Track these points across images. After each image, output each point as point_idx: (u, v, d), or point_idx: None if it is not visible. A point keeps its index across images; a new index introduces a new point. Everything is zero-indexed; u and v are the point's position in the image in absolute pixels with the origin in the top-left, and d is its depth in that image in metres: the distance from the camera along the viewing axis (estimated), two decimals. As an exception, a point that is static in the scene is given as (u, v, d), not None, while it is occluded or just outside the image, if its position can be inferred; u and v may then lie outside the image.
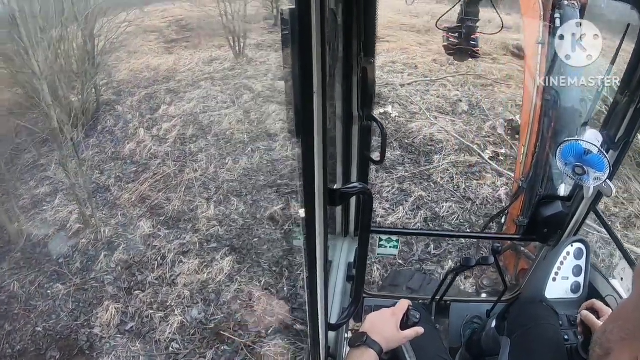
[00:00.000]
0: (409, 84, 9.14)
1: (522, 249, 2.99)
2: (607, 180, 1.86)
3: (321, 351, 1.28)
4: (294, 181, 6.24)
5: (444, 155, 6.86)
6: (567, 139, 1.90)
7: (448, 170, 6.53)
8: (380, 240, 2.56)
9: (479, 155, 6.87)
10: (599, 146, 1.81)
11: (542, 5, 2.22)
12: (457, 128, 7.61)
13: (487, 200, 5.99)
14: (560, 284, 2.31)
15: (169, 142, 7.55)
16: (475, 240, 4.72)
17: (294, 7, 0.66)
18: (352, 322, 2.21)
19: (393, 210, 5.81)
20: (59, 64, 7.08)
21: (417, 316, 1.59)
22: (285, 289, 4.73)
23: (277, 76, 9.45)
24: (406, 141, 7.20)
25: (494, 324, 2.18)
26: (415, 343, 1.68)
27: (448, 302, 2.54)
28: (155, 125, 8.07)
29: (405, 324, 1.56)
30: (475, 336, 2.38)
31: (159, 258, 5.24)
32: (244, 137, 7.46)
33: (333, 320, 1.49)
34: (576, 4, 2.04)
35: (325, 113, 0.77)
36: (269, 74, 9.67)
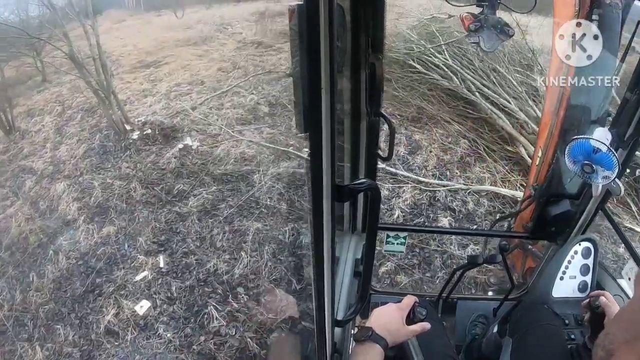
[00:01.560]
0: (200, 104, 8.37)
1: (530, 247, 2.99)
2: (616, 179, 1.85)
3: (327, 347, 1.29)
4: (115, 274, 4.90)
5: (262, 172, 6.18)
6: (576, 137, 1.89)
7: (273, 186, 5.90)
8: (388, 237, 2.56)
9: (298, 156, 6.39)
10: (608, 144, 1.80)
11: (579, 2, 2.02)
12: (264, 135, 7.11)
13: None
14: (567, 283, 2.31)
15: (-43, 282, 5.58)
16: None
17: (301, 3, 0.66)
18: (358, 319, 2.22)
19: (235, 259, 4.92)
20: None
21: (423, 312, 1.59)
22: None
23: (58, 144, 7.85)
24: (218, 171, 6.39)
25: (495, 328, 2.18)
26: (421, 339, 1.68)
27: (455, 300, 2.55)
28: None
29: (411, 320, 1.57)
30: (474, 342, 2.39)
31: None
32: (40, 237, 5.74)
33: (340, 316, 1.49)
34: (619, 4, 1.86)
35: (333, 109, 0.78)
36: (47, 144, 7.98)
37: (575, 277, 2.32)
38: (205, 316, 4.34)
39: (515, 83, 6.71)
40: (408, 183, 5.74)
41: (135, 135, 7.42)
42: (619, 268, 3.50)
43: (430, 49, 7.63)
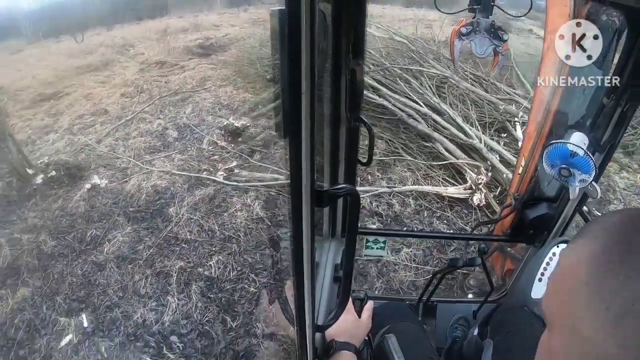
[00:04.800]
0: (105, 136, 7.82)
1: (509, 249, 3.01)
2: (593, 182, 1.88)
3: (309, 353, 1.28)
4: (37, 342, 4.29)
5: (179, 202, 5.82)
6: (553, 141, 1.92)
7: (192, 218, 5.51)
8: (367, 241, 2.57)
9: (213, 181, 6.11)
10: (585, 148, 1.83)
11: (574, 14, 1.99)
12: (176, 163, 6.72)
13: (248, 229, 5.24)
14: (546, 284, 2.34)
15: None
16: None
17: (283, 7, 0.66)
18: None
19: (163, 305, 4.49)
20: None
21: (361, 295, 1.64)
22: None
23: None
24: (131, 209, 5.85)
25: (476, 331, 2.20)
26: (403, 343, 1.69)
27: (434, 303, 2.56)
28: None
29: (359, 310, 1.61)
30: (455, 345, 2.41)
31: None
32: None
33: (320, 321, 1.48)
34: (617, 21, 1.79)
35: (313, 114, 0.77)
36: None
37: (553, 279, 2.35)
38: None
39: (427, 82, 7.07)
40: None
41: (40, 179, 6.67)
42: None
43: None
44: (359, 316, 1.65)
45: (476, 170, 5.53)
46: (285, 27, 0.67)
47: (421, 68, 7.71)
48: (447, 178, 5.86)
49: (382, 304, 2.31)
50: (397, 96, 7.00)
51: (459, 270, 4.42)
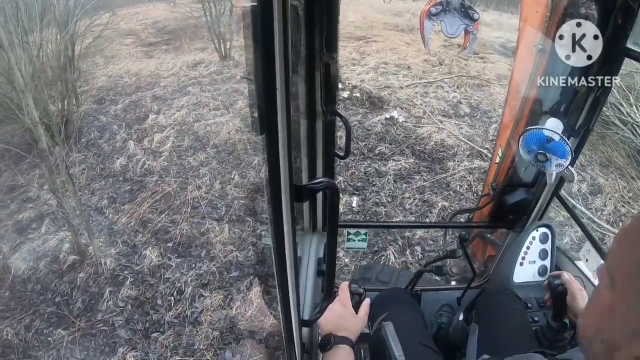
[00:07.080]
0: (407, 86, 8.90)
1: (489, 235, 3.03)
2: (569, 166, 1.91)
3: (296, 348, 1.28)
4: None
5: (457, 161, 6.63)
6: (529, 127, 1.94)
7: (465, 177, 6.31)
8: (349, 234, 2.57)
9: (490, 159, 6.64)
10: (560, 133, 1.85)
11: (551, 9, 1.93)
12: (464, 132, 7.44)
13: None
14: (527, 268, 2.38)
15: (163, 156, 6.77)
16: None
17: (255, 3, 0.65)
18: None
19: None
20: (41, 72, 6.02)
21: (360, 290, 1.65)
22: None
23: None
24: (418, 148, 6.94)
25: (461, 317, 2.22)
26: (399, 331, 1.70)
27: (419, 292, 2.57)
28: (145, 136, 7.28)
29: (357, 305, 1.61)
30: (442, 332, 2.42)
31: (175, 292, 4.58)
32: (247, 147, 6.79)
33: (306, 316, 1.48)
34: (595, 15, 1.75)
35: (288, 110, 0.77)
36: (259, 79, 9.31)
37: (534, 262, 2.39)
38: (383, 258, 4.92)
39: None
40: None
41: (345, 94, 8.26)
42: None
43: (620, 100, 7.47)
44: (356, 311, 1.65)
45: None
46: (258, 23, 0.66)
47: None
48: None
49: (381, 293, 2.33)
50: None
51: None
